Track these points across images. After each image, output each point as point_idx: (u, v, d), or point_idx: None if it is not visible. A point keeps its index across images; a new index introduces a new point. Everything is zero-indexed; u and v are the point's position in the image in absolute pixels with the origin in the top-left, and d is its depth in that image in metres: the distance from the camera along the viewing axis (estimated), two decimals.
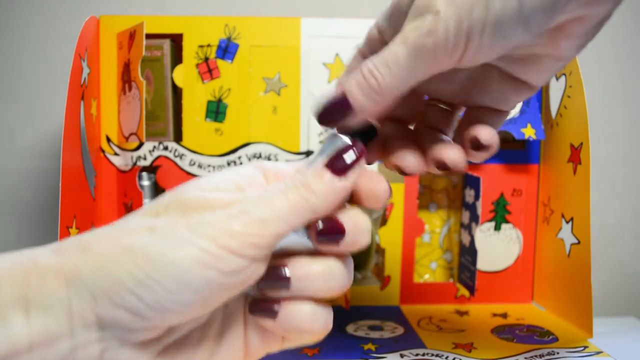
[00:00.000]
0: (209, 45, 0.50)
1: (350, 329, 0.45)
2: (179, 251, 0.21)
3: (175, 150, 0.50)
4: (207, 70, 0.50)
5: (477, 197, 0.50)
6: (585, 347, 0.40)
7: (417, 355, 0.39)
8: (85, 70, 0.44)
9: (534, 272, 0.52)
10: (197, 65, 0.50)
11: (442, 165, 0.28)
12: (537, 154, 0.52)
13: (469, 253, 0.51)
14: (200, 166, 0.50)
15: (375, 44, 0.29)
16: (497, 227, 0.52)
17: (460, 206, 0.55)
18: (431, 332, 0.44)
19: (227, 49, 0.50)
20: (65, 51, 0.55)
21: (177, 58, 0.51)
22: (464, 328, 0.45)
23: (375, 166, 0.48)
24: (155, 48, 0.50)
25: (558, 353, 0.39)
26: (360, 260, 0.51)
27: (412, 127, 0.32)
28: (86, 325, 0.20)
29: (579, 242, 0.44)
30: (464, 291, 0.52)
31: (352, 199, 0.26)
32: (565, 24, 0.23)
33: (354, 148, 0.25)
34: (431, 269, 0.55)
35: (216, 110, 0.50)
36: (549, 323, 0.46)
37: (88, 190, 0.46)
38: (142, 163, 0.49)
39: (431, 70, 0.24)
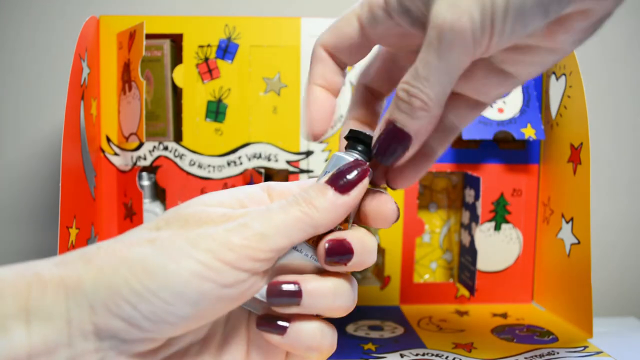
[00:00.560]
0: (209, 46, 0.50)
1: (350, 329, 0.45)
2: (177, 263, 0.21)
3: (175, 150, 0.50)
4: (207, 71, 0.50)
5: (477, 197, 0.50)
6: (585, 347, 0.40)
7: (417, 355, 0.39)
8: (85, 70, 0.44)
9: (534, 272, 0.52)
10: (197, 65, 0.50)
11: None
12: (537, 154, 0.52)
13: (469, 253, 0.51)
14: (200, 166, 0.50)
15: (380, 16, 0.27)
16: (497, 227, 0.52)
17: (460, 206, 0.55)
18: (431, 332, 0.44)
19: (227, 49, 0.50)
20: (65, 51, 0.55)
21: (177, 58, 0.51)
22: (464, 328, 0.45)
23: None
24: (155, 48, 0.50)
25: (558, 353, 0.39)
26: None
27: None
28: (84, 335, 0.21)
29: (579, 242, 0.44)
30: (464, 291, 0.52)
31: (360, 219, 0.26)
32: (567, 17, 0.23)
33: (357, 166, 0.25)
34: (431, 269, 0.55)
35: (216, 110, 0.50)
36: (549, 323, 0.46)
37: (88, 190, 0.46)
38: (142, 163, 0.49)
39: (466, 64, 0.23)
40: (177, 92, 0.51)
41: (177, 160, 0.50)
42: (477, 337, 0.43)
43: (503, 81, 0.26)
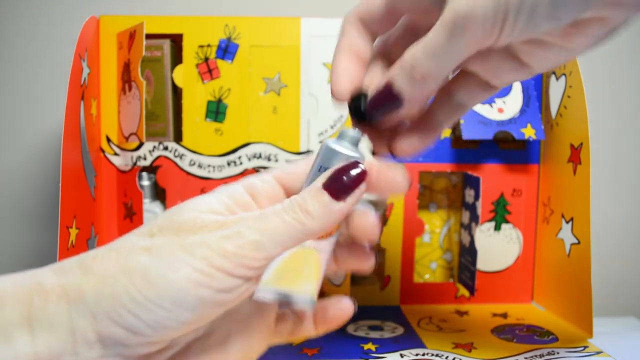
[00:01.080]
0: (209, 46, 0.50)
1: (350, 329, 0.45)
2: (174, 271, 0.21)
3: (175, 150, 0.50)
4: (207, 71, 0.50)
5: (477, 197, 0.50)
6: (585, 347, 0.40)
7: (417, 355, 0.39)
8: (85, 70, 0.44)
9: (534, 272, 0.52)
10: (197, 66, 0.50)
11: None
12: (537, 154, 0.52)
13: (469, 253, 0.51)
14: (200, 166, 0.50)
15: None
16: (497, 227, 0.52)
17: (460, 206, 0.55)
18: (431, 332, 0.44)
19: (227, 49, 0.50)
20: (65, 51, 0.55)
21: (177, 58, 0.51)
22: (464, 328, 0.45)
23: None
24: (155, 48, 0.50)
25: (558, 353, 0.39)
26: None
27: None
28: (89, 343, 0.21)
29: (579, 242, 0.44)
30: (464, 291, 0.52)
31: (369, 190, 0.27)
32: (583, 23, 0.23)
33: (355, 169, 0.24)
34: (431, 269, 0.55)
35: (216, 110, 0.50)
36: (549, 323, 0.46)
37: (88, 190, 0.46)
38: (142, 163, 0.49)
39: (472, 51, 0.24)
40: (177, 92, 0.51)
41: (177, 160, 0.50)
42: (477, 337, 0.43)
43: (518, 68, 0.27)
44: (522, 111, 0.50)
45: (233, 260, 0.22)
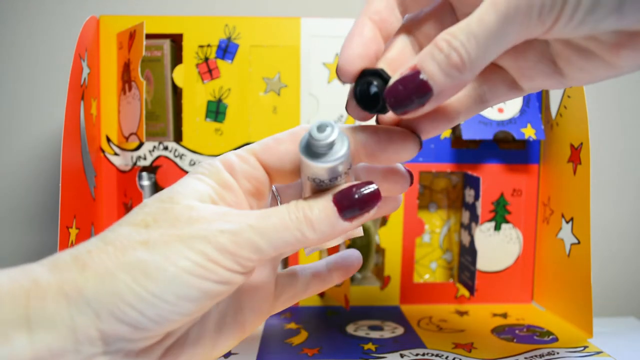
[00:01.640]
0: (209, 45, 0.50)
1: (350, 329, 0.45)
2: (175, 265, 0.21)
3: (175, 150, 0.50)
4: (207, 70, 0.50)
5: (477, 197, 0.50)
6: (585, 347, 0.40)
7: (417, 355, 0.39)
8: (85, 70, 0.44)
9: (534, 272, 0.52)
10: (197, 65, 0.50)
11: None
12: (537, 154, 0.52)
13: (468, 253, 0.51)
14: None
15: None
16: (497, 227, 0.52)
17: (460, 206, 0.55)
18: (431, 332, 0.44)
19: (227, 49, 0.50)
20: (65, 51, 0.55)
21: (177, 58, 0.51)
22: (464, 328, 0.45)
23: None
24: (155, 48, 0.50)
25: (558, 353, 0.39)
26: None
27: None
28: (91, 341, 0.21)
29: (579, 242, 0.44)
30: (464, 291, 0.52)
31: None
32: (638, 34, 0.21)
33: (371, 192, 0.23)
34: (431, 269, 0.55)
35: (216, 110, 0.50)
36: (549, 323, 0.46)
37: (88, 190, 0.46)
38: (142, 163, 0.49)
39: (520, 39, 0.21)
40: (177, 92, 0.51)
41: (177, 160, 0.50)
42: (477, 337, 0.43)
43: (551, 74, 0.25)
44: (522, 111, 0.50)
45: (231, 258, 0.22)
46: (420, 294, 0.52)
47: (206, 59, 0.50)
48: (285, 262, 0.50)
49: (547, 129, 0.50)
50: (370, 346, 0.41)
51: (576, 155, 0.44)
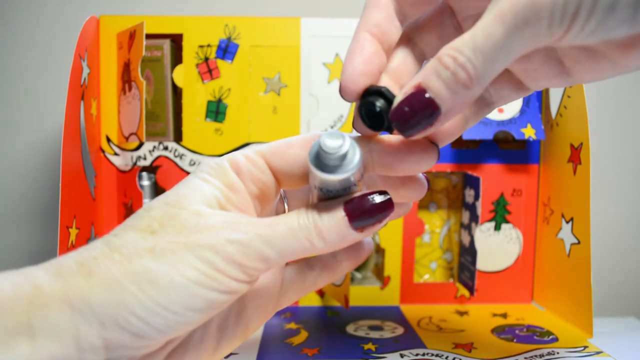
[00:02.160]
0: (209, 45, 0.50)
1: (350, 329, 0.45)
2: (183, 274, 0.21)
3: (175, 150, 0.50)
4: (207, 71, 0.50)
5: (477, 197, 0.50)
6: (585, 347, 0.40)
7: (417, 355, 0.39)
8: (85, 70, 0.44)
9: (534, 272, 0.52)
10: (197, 65, 0.50)
11: None
12: (537, 154, 0.52)
13: (468, 253, 0.51)
14: None
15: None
16: (497, 227, 0.52)
17: (460, 206, 0.55)
18: (431, 332, 0.44)
19: (227, 49, 0.50)
20: (65, 51, 0.55)
21: (177, 58, 0.51)
22: (464, 328, 0.45)
23: None
24: (155, 48, 0.50)
25: (558, 353, 0.39)
26: None
27: None
28: (94, 349, 0.21)
29: (579, 242, 0.44)
30: (464, 291, 0.52)
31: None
32: None
33: (384, 203, 0.23)
34: (431, 269, 0.55)
35: (216, 110, 0.50)
36: (549, 323, 0.46)
37: (88, 190, 0.46)
38: (142, 163, 0.49)
39: (527, 51, 0.20)
40: (177, 92, 0.51)
41: (177, 160, 0.50)
42: (477, 337, 0.43)
43: (557, 74, 0.24)
44: (522, 111, 0.50)
45: (239, 269, 0.22)
46: (420, 294, 0.52)
47: (206, 59, 0.50)
48: None
49: (547, 129, 0.50)
50: (370, 346, 0.40)
51: (576, 155, 0.44)
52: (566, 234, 0.45)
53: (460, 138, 0.50)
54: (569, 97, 0.45)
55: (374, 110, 0.22)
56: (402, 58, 0.25)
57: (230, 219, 0.22)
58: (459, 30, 0.25)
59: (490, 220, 0.52)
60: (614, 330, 0.48)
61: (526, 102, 0.50)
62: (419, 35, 0.25)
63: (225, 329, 0.26)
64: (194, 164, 0.50)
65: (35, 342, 0.20)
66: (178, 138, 0.51)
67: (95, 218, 0.47)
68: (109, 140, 0.50)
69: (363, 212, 0.23)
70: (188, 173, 0.50)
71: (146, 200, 0.50)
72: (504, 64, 0.20)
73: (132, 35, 0.48)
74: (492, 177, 0.51)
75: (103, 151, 0.50)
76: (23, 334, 0.20)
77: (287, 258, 0.23)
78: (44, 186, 0.57)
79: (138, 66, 0.46)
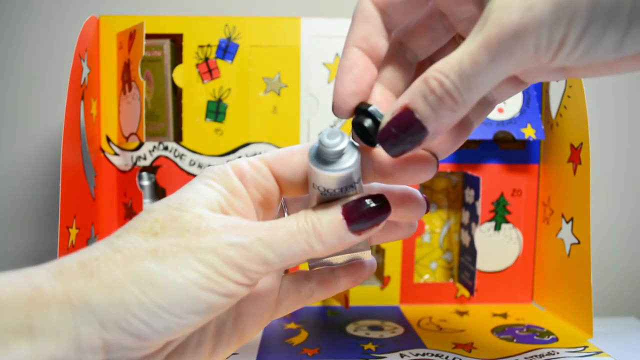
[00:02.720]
0: (209, 45, 0.50)
1: (350, 329, 0.45)
2: (184, 277, 0.21)
3: (175, 150, 0.50)
4: (207, 70, 0.50)
5: (477, 197, 0.50)
6: (585, 347, 0.40)
7: (417, 355, 0.39)
8: (85, 70, 0.44)
9: (534, 272, 0.52)
10: (197, 65, 0.50)
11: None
12: (537, 154, 0.52)
13: (469, 253, 0.51)
14: (200, 166, 0.50)
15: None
16: (497, 227, 0.52)
17: (460, 206, 0.55)
18: (431, 332, 0.44)
19: (227, 49, 0.50)
20: (65, 51, 0.55)
21: (177, 58, 0.51)
22: (464, 328, 0.45)
23: None
24: (155, 48, 0.50)
25: (558, 353, 0.39)
26: None
27: None
28: (93, 350, 0.21)
29: (579, 242, 0.44)
30: (464, 291, 0.52)
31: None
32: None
33: (381, 206, 0.23)
34: (431, 269, 0.55)
35: (216, 110, 0.50)
36: (549, 323, 0.46)
37: (88, 190, 0.46)
38: (142, 163, 0.49)
39: (516, 72, 0.21)
40: (177, 92, 0.51)
41: (177, 160, 0.50)
42: (477, 337, 0.43)
43: (555, 71, 0.24)
44: (522, 111, 0.50)
45: (240, 272, 0.22)
46: (420, 294, 0.52)
47: (206, 59, 0.50)
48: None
49: (547, 129, 0.50)
50: (370, 346, 0.41)
51: (576, 155, 0.44)
52: (566, 234, 0.45)
53: None
54: (569, 97, 0.45)
55: (363, 130, 0.23)
56: (395, 65, 0.25)
57: (231, 223, 0.23)
58: (451, 31, 0.26)
59: (490, 220, 0.52)
60: (614, 330, 0.48)
61: (526, 102, 0.50)
62: (410, 40, 0.25)
63: (222, 334, 0.26)
64: (194, 164, 0.50)
65: (35, 342, 0.20)
66: (178, 138, 0.51)
67: (95, 218, 0.47)
68: (109, 140, 0.50)
69: (361, 215, 0.23)
70: (188, 173, 0.50)
71: (146, 201, 0.50)
72: (490, 87, 0.20)
73: (132, 35, 0.48)
74: (492, 177, 0.51)
75: (103, 151, 0.50)
76: (23, 334, 0.20)
77: (288, 261, 0.23)
78: (44, 186, 0.57)
79: (138, 66, 0.46)
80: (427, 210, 0.27)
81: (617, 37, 0.19)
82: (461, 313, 0.50)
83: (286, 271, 0.29)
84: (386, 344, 0.41)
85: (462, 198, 0.54)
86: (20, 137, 0.56)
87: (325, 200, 0.24)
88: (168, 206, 0.23)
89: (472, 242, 0.50)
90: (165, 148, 0.50)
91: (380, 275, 0.53)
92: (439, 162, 0.25)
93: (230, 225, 0.22)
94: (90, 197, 0.46)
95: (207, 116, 0.50)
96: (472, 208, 0.51)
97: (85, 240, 0.44)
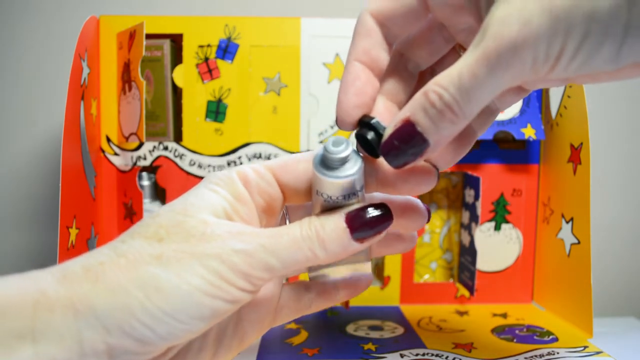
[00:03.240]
0: (209, 45, 0.50)
1: (350, 329, 0.45)
2: (188, 284, 0.21)
3: (175, 150, 0.50)
4: (207, 71, 0.50)
5: (477, 197, 0.50)
6: (585, 347, 0.40)
7: (417, 355, 0.39)
8: (85, 70, 0.44)
9: (534, 272, 0.52)
10: (197, 65, 0.50)
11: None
12: (537, 154, 0.52)
13: (469, 253, 0.51)
14: (200, 166, 0.50)
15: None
16: (497, 227, 0.52)
17: (460, 206, 0.55)
18: (431, 332, 0.44)
19: (227, 49, 0.50)
20: (65, 51, 0.55)
21: (177, 58, 0.51)
22: (464, 328, 0.45)
23: None
24: (155, 48, 0.50)
25: (558, 353, 0.39)
26: None
27: None
28: (97, 354, 0.21)
29: (579, 242, 0.44)
30: (464, 291, 0.52)
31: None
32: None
33: (383, 215, 0.23)
34: (431, 269, 0.55)
35: (216, 110, 0.50)
36: (549, 323, 0.46)
37: (88, 190, 0.46)
38: (142, 163, 0.49)
39: (514, 84, 0.21)
40: (177, 92, 0.51)
41: (177, 160, 0.50)
42: (477, 337, 0.43)
43: (555, 79, 0.24)
44: (522, 111, 0.50)
45: (244, 278, 0.22)
46: (420, 294, 0.52)
47: (206, 59, 0.50)
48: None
49: (547, 129, 0.50)
50: (370, 346, 0.41)
51: (576, 155, 0.44)
52: (566, 234, 0.45)
53: None
54: (569, 97, 0.45)
55: (366, 143, 0.24)
56: (397, 76, 0.26)
57: (235, 229, 0.23)
58: (451, 41, 0.26)
59: (490, 220, 0.52)
60: (614, 330, 0.48)
61: (526, 102, 0.50)
62: (411, 51, 0.26)
63: (223, 340, 0.26)
64: (194, 164, 0.50)
65: (38, 346, 0.20)
66: (178, 138, 0.51)
67: (95, 218, 0.47)
68: (109, 140, 0.50)
69: (364, 224, 0.23)
70: (188, 173, 0.50)
71: (146, 201, 0.51)
72: (490, 99, 0.21)
73: (132, 35, 0.48)
74: (492, 177, 0.51)
75: (103, 151, 0.50)
76: (27, 337, 0.20)
77: (291, 268, 0.23)
78: (44, 186, 0.57)
79: (138, 66, 0.46)
80: (428, 220, 0.27)
81: (614, 48, 0.19)
82: (461, 313, 0.50)
83: (287, 280, 0.29)
84: (386, 344, 0.41)
85: (462, 198, 0.54)
86: (20, 137, 0.56)
87: (329, 207, 0.24)
88: (172, 211, 0.23)
89: (472, 242, 0.50)
90: (165, 148, 0.50)
91: (380, 275, 0.53)
92: (439, 173, 0.26)
93: (234, 232, 0.23)
94: (90, 197, 0.46)
95: (207, 116, 0.50)
96: (472, 208, 0.51)
97: (85, 240, 0.44)
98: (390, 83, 0.26)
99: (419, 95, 0.21)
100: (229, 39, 0.50)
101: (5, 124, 0.56)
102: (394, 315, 0.49)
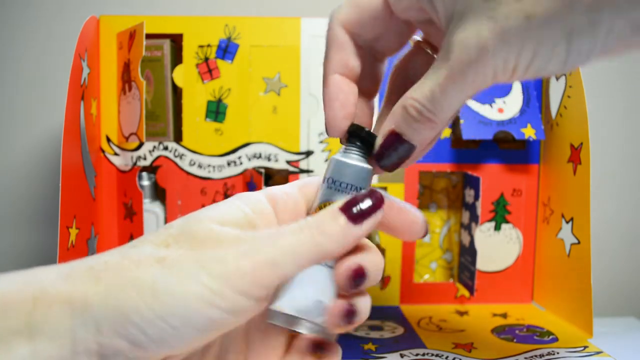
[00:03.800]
0: (209, 45, 0.50)
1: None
2: (186, 288, 0.21)
3: (175, 150, 0.50)
4: (207, 71, 0.50)
5: (477, 197, 0.50)
6: (585, 347, 0.40)
7: (417, 355, 0.39)
8: (85, 70, 0.44)
9: (534, 272, 0.52)
10: (197, 65, 0.50)
11: None
12: (537, 154, 0.52)
13: (468, 253, 0.51)
14: (200, 166, 0.50)
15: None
16: (497, 227, 0.52)
17: (460, 206, 0.55)
18: (431, 332, 0.44)
19: (227, 49, 0.50)
20: (65, 51, 0.55)
21: (177, 58, 0.51)
22: (464, 328, 0.45)
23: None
24: (155, 48, 0.50)
25: (558, 353, 0.39)
26: None
27: None
28: (89, 353, 0.20)
29: (579, 242, 0.44)
30: (464, 291, 0.52)
31: (386, 229, 0.27)
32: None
33: (372, 195, 0.24)
34: (431, 269, 0.55)
35: (216, 110, 0.50)
36: (549, 323, 0.46)
37: (88, 190, 0.46)
38: (142, 163, 0.49)
39: (483, 88, 0.23)
40: (177, 92, 0.51)
41: (177, 160, 0.50)
42: (477, 337, 0.43)
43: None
44: (522, 111, 0.50)
45: (249, 280, 0.22)
46: (420, 294, 0.52)
47: (206, 59, 0.50)
48: None
49: (547, 129, 0.50)
50: (370, 346, 0.41)
51: (576, 155, 0.44)
52: (566, 234, 0.45)
53: (460, 138, 0.50)
54: (569, 97, 0.45)
55: (361, 139, 0.27)
56: (366, 69, 0.28)
57: (238, 234, 0.23)
58: (413, 30, 0.28)
59: (490, 220, 0.52)
60: (614, 330, 0.48)
61: (526, 102, 0.50)
62: (377, 43, 0.28)
63: (225, 356, 0.26)
64: (194, 164, 0.50)
65: (34, 343, 0.20)
66: (178, 138, 0.51)
67: (95, 218, 0.47)
68: (109, 140, 0.50)
69: (356, 204, 0.24)
70: (188, 173, 0.50)
71: (146, 201, 0.51)
72: (461, 104, 0.24)
73: (132, 35, 0.48)
74: (492, 177, 0.51)
75: (103, 151, 0.50)
76: (24, 334, 0.20)
77: (296, 262, 0.23)
78: (44, 186, 0.57)
79: (138, 66, 0.46)
80: (426, 233, 0.28)
81: (562, 57, 0.21)
82: (461, 313, 0.50)
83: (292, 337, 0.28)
84: (386, 344, 0.41)
85: (462, 198, 0.54)
86: (21, 137, 0.56)
87: (329, 195, 0.26)
88: (185, 221, 0.24)
89: (472, 242, 0.50)
90: (165, 148, 0.50)
91: None
92: (428, 229, 0.29)
93: (238, 237, 0.23)
94: (90, 197, 0.46)
95: (207, 116, 0.50)
96: (472, 208, 0.51)
97: (85, 240, 0.44)
98: (361, 77, 0.28)
99: (399, 109, 0.25)
100: (229, 39, 0.50)
101: (5, 124, 0.56)
102: (394, 315, 0.49)
